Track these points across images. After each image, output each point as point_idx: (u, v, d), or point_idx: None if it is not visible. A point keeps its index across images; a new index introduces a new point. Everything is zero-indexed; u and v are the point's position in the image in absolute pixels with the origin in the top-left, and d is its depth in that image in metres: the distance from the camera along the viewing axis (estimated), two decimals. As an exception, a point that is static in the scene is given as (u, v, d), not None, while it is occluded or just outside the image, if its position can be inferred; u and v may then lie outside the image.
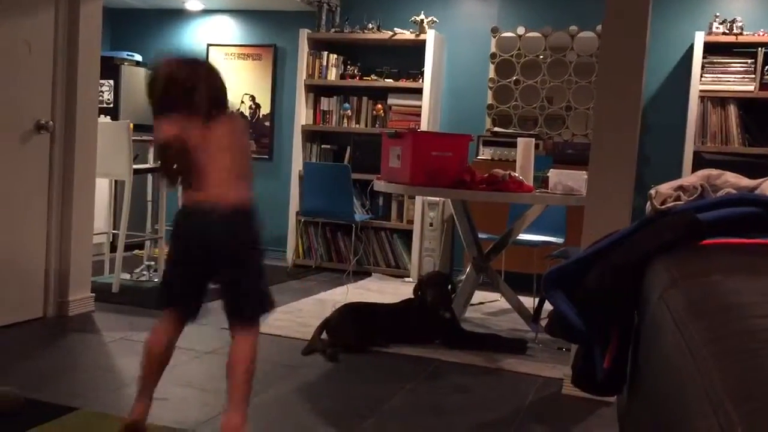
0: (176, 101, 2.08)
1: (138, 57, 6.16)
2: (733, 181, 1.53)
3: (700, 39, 4.78)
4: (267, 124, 6.17)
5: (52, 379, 2.81)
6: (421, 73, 5.43)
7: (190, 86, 2.07)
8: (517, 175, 3.63)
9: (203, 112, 2.08)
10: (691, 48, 4.90)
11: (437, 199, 5.31)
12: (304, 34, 5.70)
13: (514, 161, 3.94)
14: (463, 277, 4.20)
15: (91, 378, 2.88)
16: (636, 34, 2.84)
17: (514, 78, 5.41)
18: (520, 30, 5.40)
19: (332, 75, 5.76)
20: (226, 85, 2.19)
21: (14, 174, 3.47)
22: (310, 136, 5.87)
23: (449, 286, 3.63)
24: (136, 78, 6.01)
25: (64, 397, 2.57)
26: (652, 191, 1.47)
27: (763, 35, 4.75)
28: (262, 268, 2.21)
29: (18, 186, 3.49)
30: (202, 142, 2.09)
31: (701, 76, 4.82)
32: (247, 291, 2.19)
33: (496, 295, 4.66)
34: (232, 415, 2.09)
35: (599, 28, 4.75)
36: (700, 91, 4.81)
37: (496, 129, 5.41)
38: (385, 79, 5.63)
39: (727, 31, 4.79)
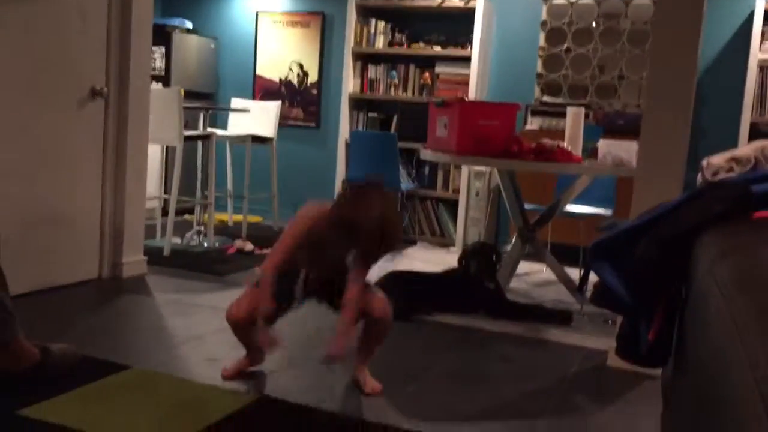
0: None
1: (189, 24, 6.22)
2: (789, 153, 1.49)
3: (761, 6, 4.60)
4: (314, 92, 6.18)
5: (106, 337, 2.92)
6: (470, 41, 5.37)
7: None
8: (565, 145, 3.58)
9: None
10: (751, 15, 4.73)
11: (484, 168, 5.28)
12: (352, 1, 5.67)
13: (563, 131, 3.89)
14: (509, 247, 4.19)
15: (144, 338, 2.97)
16: (692, 1, 2.75)
17: (565, 46, 5.30)
18: (573, -3, 5.28)
19: (380, 43, 5.74)
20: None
21: (71, 139, 3.57)
22: (357, 104, 5.87)
23: (494, 257, 3.62)
24: (187, 45, 6.08)
25: (117, 355, 2.67)
26: (704, 162, 1.45)
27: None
28: None
29: (74, 151, 3.59)
30: None
31: (761, 45, 4.65)
32: None
33: (541, 266, 4.64)
34: None
35: (655, -6, 4.61)
36: (759, 60, 4.65)
37: (545, 98, 5.33)
38: (433, 47, 5.58)
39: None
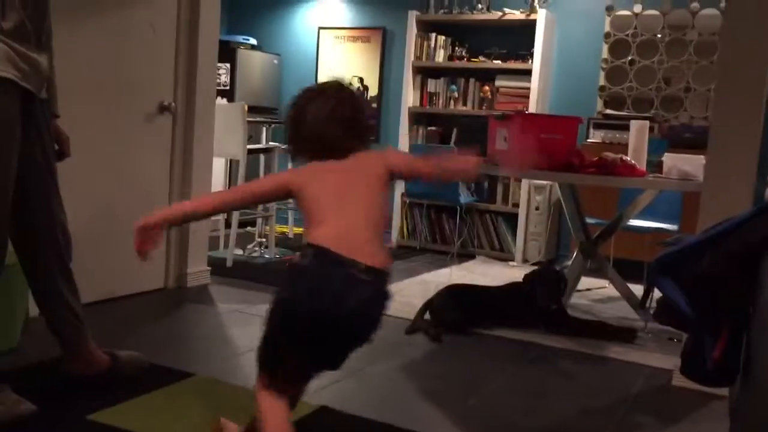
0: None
1: (253, 41, 6.37)
2: None
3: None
4: (374, 105, 6.24)
5: (171, 346, 2.99)
6: (531, 54, 5.34)
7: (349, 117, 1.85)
8: (628, 158, 3.51)
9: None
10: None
11: (544, 182, 5.22)
12: (412, 15, 5.72)
13: (627, 144, 3.82)
14: (570, 262, 4.13)
15: (207, 346, 3.04)
16: (762, 11, 2.68)
17: (629, 58, 5.22)
18: (637, 8, 5.19)
19: (440, 57, 5.75)
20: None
21: (139, 152, 3.69)
22: (417, 117, 5.89)
23: (561, 285, 3.56)
24: (251, 61, 6.22)
25: (181, 363, 2.73)
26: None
27: None
28: None
29: (142, 163, 3.71)
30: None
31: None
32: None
33: (603, 282, 4.55)
34: None
35: (723, 4, 4.49)
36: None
37: (608, 111, 5.25)
38: (494, 61, 5.57)
39: None
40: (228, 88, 6.05)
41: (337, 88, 1.91)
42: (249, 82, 6.21)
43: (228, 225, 4.84)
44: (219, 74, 5.80)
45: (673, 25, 5.10)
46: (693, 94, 5.06)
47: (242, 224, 5.17)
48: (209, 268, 4.12)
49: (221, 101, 5.47)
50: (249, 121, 4.68)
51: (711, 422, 2.52)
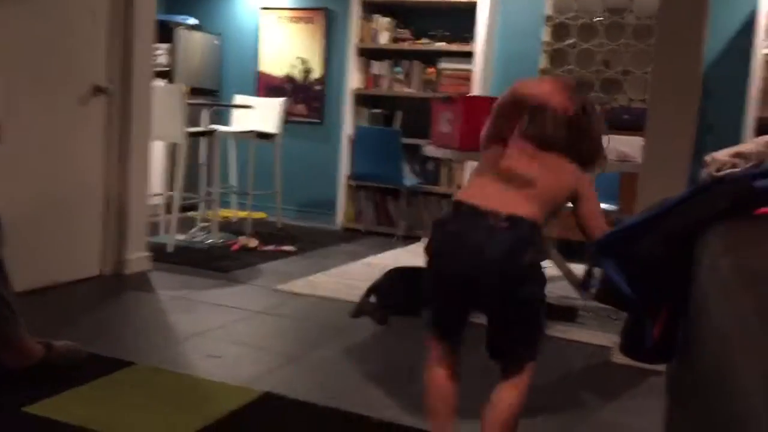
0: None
1: (193, 21, 6.22)
2: (794, 148, 1.48)
3: (764, 1, 4.58)
4: (318, 87, 6.18)
5: (109, 334, 2.92)
6: (473, 37, 5.35)
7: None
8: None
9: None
10: (755, 10, 4.70)
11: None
12: (356, -4, 5.67)
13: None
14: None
15: (147, 334, 2.98)
16: (698, -5, 2.74)
17: (570, 41, 5.28)
18: (577, -9, 5.26)
19: (384, 38, 5.72)
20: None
21: (73, 135, 3.57)
22: (361, 99, 5.86)
23: None
24: (191, 41, 6.08)
25: (121, 352, 2.67)
26: (708, 158, 1.44)
27: (836, -5, 4.53)
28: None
29: (76, 147, 3.59)
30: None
31: (766, 39, 4.62)
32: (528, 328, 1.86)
33: (545, 262, 4.62)
34: None
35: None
36: (765, 54, 4.62)
37: (550, 94, 5.31)
38: (437, 43, 5.57)
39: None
40: (168, 69, 5.90)
41: (592, 103, 1.95)
42: (189, 63, 6.06)
43: (169, 210, 4.74)
44: (157, 55, 5.65)
45: (612, 8, 5.18)
46: (631, 77, 5.16)
47: (185, 209, 5.08)
48: (150, 253, 4.03)
49: (160, 83, 5.33)
50: (189, 104, 4.58)
51: (649, 397, 2.59)
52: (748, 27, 4.82)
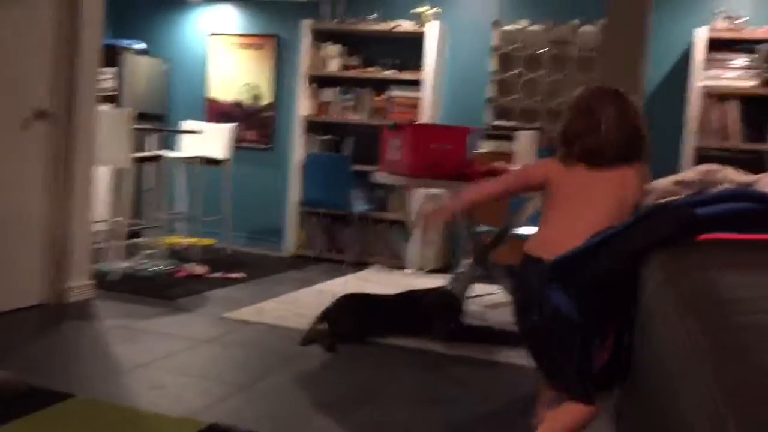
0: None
1: (142, 45, 6.15)
2: (732, 176, 1.53)
3: (702, 35, 4.76)
4: (268, 114, 6.16)
5: (49, 365, 2.82)
6: (423, 65, 5.42)
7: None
8: (516, 168, 3.62)
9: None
10: (692, 43, 4.89)
11: (437, 191, 5.30)
12: (306, 24, 5.69)
13: (515, 154, 3.94)
14: (463, 269, 4.20)
15: (88, 365, 2.89)
16: (636, 29, 2.84)
17: (516, 71, 5.39)
18: (523, 23, 5.38)
19: (334, 66, 5.75)
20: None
21: (14, 161, 3.47)
22: (311, 126, 5.85)
23: (456, 307, 3.61)
24: (138, 66, 6.00)
25: (60, 384, 2.58)
26: (650, 186, 1.47)
27: (767, 31, 4.73)
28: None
29: (18, 173, 3.49)
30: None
31: (702, 72, 4.80)
32: None
33: (494, 288, 4.66)
34: None
35: (601, 22, 4.73)
36: (702, 87, 4.80)
37: (497, 122, 5.40)
38: (387, 71, 5.62)
39: (730, 27, 4.77)
40: (115, 93, 5.80)
41: (623, 94, 2.04)
42: (136, 87, 5.98)
43: (115, 236, 4.63)
44: (104, 79, 5.56)
45: (556, 41, 5.31)
46: (576, 106, 5.28)
47: (131, 235, 4.97)
48: (93, 281, 3.93)
49: (106, 107, 5.23)
50: (136, 129, 4.50)
51: (597, 422, 2.61)
52: (684, 60, 5.00)
